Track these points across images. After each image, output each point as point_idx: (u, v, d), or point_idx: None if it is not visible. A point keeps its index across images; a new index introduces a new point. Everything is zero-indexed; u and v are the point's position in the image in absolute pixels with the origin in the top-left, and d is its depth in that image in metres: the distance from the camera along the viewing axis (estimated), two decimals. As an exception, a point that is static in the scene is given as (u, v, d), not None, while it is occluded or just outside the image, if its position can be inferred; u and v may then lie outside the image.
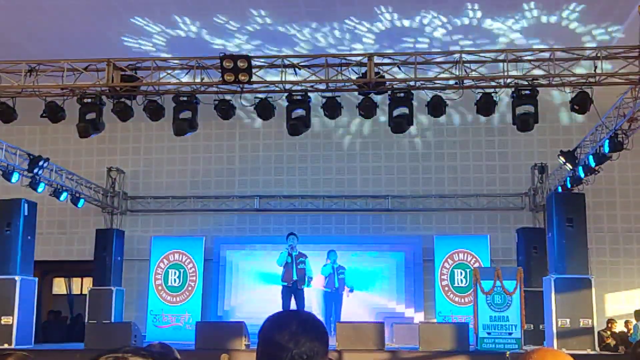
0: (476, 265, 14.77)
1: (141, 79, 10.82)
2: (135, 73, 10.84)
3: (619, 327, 14.49)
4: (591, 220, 13.94)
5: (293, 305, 12.80)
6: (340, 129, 16.64)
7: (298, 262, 13.06)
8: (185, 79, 10.96)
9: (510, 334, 11.52)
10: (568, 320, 11.40)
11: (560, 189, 14.11)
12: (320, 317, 12.26)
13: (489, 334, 11.62)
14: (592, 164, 12.52)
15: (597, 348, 11.67)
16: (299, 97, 10.73)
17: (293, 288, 12.94)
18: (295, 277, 12.94)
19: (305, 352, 1.89)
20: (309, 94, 10.82)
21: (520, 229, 15.42)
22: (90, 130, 11.00)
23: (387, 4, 11.42)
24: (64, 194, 14.83)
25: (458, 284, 15.39)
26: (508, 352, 10.81)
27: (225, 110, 11.05)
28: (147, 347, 3.37)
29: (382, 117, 11.28)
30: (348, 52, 10.66)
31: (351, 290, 14.92)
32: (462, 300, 15.17)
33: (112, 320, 14.69)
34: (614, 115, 11.66)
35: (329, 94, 10.87)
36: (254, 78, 10.32)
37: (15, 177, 13.11)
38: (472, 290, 12.30)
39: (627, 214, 16.17)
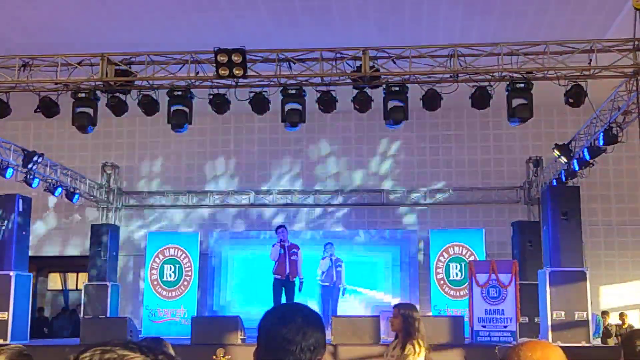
0: (471, 258, 14.80)
1: (135, 73, 10.78)
2: (130, 67, 10.80)
3: (613, 319, 14.59)
4: (586, 213, 13.97)
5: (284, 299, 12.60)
6: (335, 123, 16.60)
7: (291, 253, 12.78)
8: (180, 73, 10.92)
9: (505, 326, 11.55)
10: (563, 312, 11.45)
11: (555, 183, 14.15)
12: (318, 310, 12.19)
13: (484, 327, 11.65)
14: (587, 157, 12.55)
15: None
16: (293, 91, 10.72)
17: (285, 281, 12.69)
18: (288, 270, 12.68)
19: (312, 344, 1.98)
20: (304, 87, 10.80)
21: (515, 222, 15.45)
22: (86, 124, 10.98)
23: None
24: (59, 190, 14.80)
25: (453, 277, 15.42)
26: (497, 347, 10.82)
27: (220, 104, 11.02)
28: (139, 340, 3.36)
29: (377, 111, 11.23)
30: (342, 46, 10.60)
31: (344, 293, 14.73)
32: (458, 294, 15.20)
33: (108, 315, 14.67)
34: (608, 108, 11.67)
35: (323, 88, 10.85)
36: (249, 72, 10.30)
37: (9, 173, 13.08)
38: (467, 283, 12.32)
39: (621, 207, 16.22)
